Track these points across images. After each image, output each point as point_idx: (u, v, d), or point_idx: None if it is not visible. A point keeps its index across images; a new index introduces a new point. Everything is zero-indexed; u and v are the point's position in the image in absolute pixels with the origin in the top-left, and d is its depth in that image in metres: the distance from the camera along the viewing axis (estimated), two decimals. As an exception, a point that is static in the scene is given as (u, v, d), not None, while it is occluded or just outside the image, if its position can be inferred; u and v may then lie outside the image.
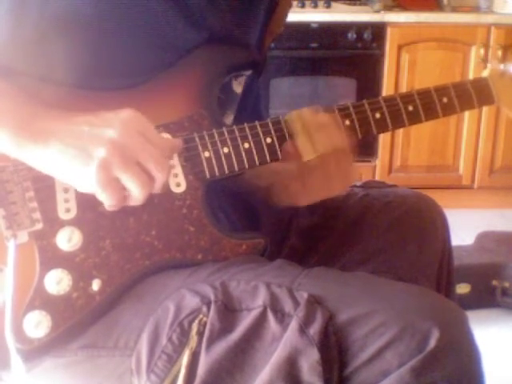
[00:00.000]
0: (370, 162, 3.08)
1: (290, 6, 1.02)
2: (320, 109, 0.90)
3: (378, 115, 0.91)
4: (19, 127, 0.74)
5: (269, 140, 0.87)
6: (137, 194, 0.74)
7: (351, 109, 0.91)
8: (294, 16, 2.95)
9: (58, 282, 0.78)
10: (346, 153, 0.90)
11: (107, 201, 0.74)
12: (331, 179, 0.93)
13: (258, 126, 0.86)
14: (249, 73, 0.95)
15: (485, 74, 1.00)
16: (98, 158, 0.72)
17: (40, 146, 0.73)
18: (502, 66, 1.00)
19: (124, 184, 0.73)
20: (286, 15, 1.01)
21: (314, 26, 2.99)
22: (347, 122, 0.90)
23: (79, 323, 0.80)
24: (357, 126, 0.91)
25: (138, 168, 0.73)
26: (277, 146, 0.87)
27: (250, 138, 0.86)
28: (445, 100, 0.95)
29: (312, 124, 0.88)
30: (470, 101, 0.96)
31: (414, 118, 0.94)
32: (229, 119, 0.95)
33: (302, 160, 0.89)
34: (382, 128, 0.92)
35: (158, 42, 0.84)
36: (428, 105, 0.94)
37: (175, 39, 0.85)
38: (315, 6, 3.09)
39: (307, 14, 3.02)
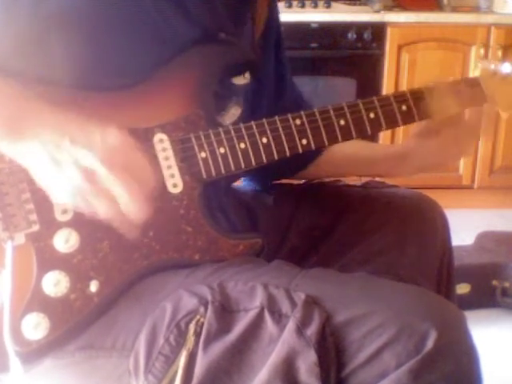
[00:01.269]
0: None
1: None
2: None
3: (372, 115, 0.92)
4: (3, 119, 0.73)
5: (265, 140, 0.87)
6: (107, 216, 0.74)
7: (346, 109, 0.91)
8: (294, 16, 2.95)
9: (55, 283, 0.78)
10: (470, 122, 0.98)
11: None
12: (448, 147, 0.99)
13: (254, 126, 0.86)
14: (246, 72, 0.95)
15: (476, 73, 1.01)
16: (71, 184, 0.72)
17: (17, 138, 0.73)
18: (492, 66, 1.00)
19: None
20: (267, 9, 1.01)
21: (314, 25, 2.99)
22: (342, 122, 0.91)
23: (77, 324, 0.79)
24: (351, 126, 0.91)
25: (109, 197, 0.73)
26: (273, 146, 0.87)
27: (245, 138, 0.86)
28: None
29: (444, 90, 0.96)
30: None
31: (408, 118, 0.94)
32: (235, 114, 0.94)
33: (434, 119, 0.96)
34: (376, 128, 0.93)
35: (152, 38, 0.84)
36: (420, 105, 0.94)
37: (169, 35, 0.85)
38: (315, 6, 3.08)
39: (307, 14, 3.01)
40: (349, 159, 1.11)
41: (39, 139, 0.72)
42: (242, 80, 0.95)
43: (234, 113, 0.94)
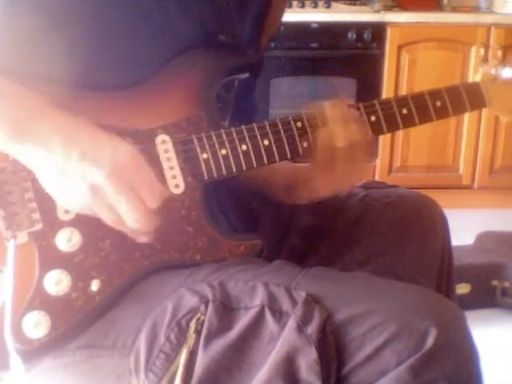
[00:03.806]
0: (370, 162, 3.08)
1: (284, 5, 1.02)
2: (343, 102, 0.92)
3: (373, 118, 0.92)
4: (12, 124, 0.73)
5: (266, 142, 0.87)
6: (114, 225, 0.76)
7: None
8: (294, 16, 2.95)
9: (57, 282, 0.78)
10: (358, 150, 0.91)
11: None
12: (336, 176, 0.93)
13: (256, 129, 0.87)
14: (247, 74, 0.95)
15: (477, 78, 1.01)
16: (78, 199, 0.74)
17: (24, 140, 0.73)
18: (493, 71, 1.00)
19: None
20: (281, 15, 1.01)
21: (314, 25, 3.00)
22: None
23: (78, 323, 0.80)
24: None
25: (115, 212, 0.75)
26: (274, 149, 0.88)
27: (247, 140, 0.86)
28: (438, 104, 0.96)
29: (332, 116, 0.89)
30: (462, 104, 0.97)
31: (409, 121, 0.95)
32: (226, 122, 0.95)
33: (317, 152, 0.90)
34: (378, 131, 0.93)
35: (154, 39, 0.85)
36: (422, 108, 0.95)
37: (170, 35, 0.85)
38: (315, 6, 3.09)
39: (307, 14, 3.02)
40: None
41: (48, 148, 0.73)
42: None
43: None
